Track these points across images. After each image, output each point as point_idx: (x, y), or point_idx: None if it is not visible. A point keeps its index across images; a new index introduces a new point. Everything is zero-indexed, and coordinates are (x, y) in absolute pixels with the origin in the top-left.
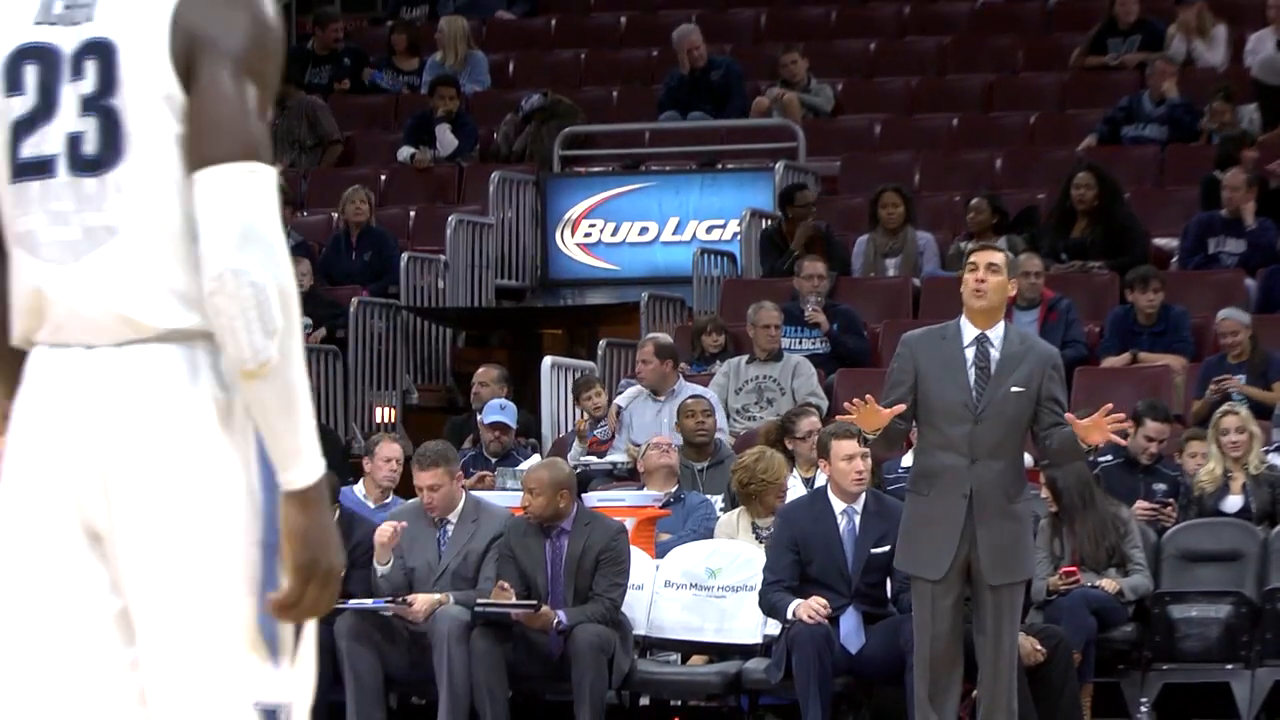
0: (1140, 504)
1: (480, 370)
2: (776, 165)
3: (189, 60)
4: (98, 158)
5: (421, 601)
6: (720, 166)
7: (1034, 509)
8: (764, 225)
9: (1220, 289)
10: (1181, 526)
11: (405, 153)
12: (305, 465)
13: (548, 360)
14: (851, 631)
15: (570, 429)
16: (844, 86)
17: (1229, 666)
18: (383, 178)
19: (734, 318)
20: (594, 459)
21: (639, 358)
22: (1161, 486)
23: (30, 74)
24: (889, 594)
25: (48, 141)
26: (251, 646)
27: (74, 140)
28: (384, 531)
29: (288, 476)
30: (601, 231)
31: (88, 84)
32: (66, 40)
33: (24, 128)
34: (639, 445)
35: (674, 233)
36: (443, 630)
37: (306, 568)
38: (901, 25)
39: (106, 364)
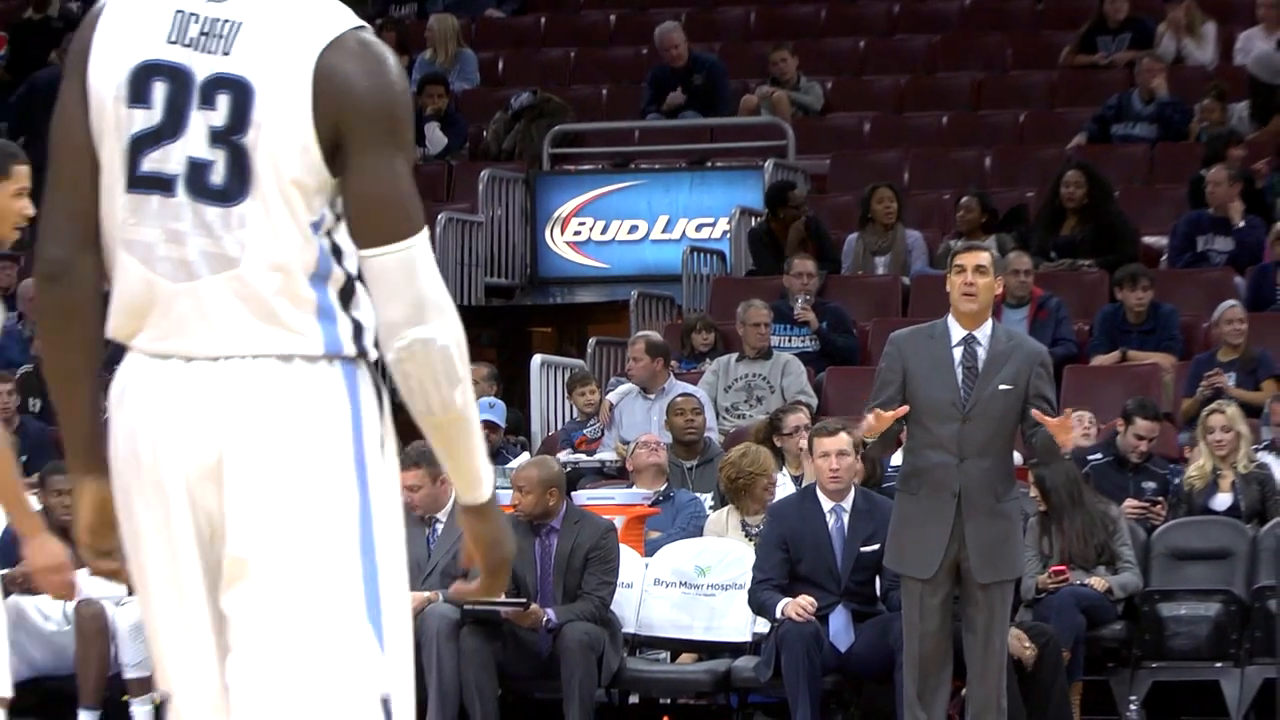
0: (1129, 502)
1: (470, 368)
2: (766, 163)
3: (338, 127)
4: (224, 190)
5: (413, 599)
6: (710, 165)
7: (1023, 507)
8: (752, 224)
9: (1209, 287)
10: (1171, 525)
11: None
12: (485, 485)
13: (537, 358)
14: (841, 630)
15: (560, 427)
16: (833, 85)
17: (1218, 664)
18: None
19: (723, 316)
20: (583, 457)
21: (630, 355)
22: (1151, 485)
23: (158, 91)
24: (878, 592)
25: (171, 161)
26: (362, 635)
27: (198, 166)
28: None
29: (473, 496)
30: (591, 230)
31: (218, 116)
32: (200, 66)
33: (147, 142)
34: (628, 443)
35: (663, 231)
36: (432, 628)
37: (495, 567)
38: (891, 23)
39: (214, 376)
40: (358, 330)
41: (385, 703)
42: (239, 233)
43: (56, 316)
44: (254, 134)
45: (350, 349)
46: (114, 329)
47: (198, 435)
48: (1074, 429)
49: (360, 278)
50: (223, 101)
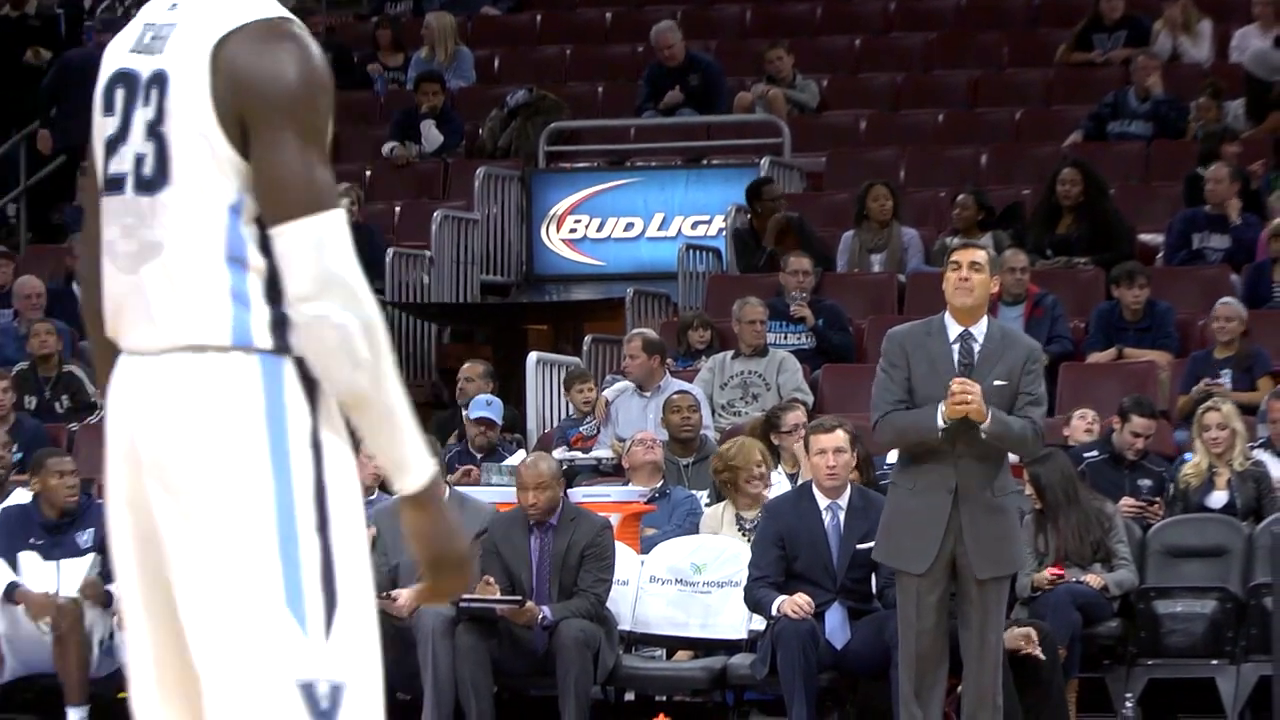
0: (1125, 500)
1: (466, 366)
2: (762, 161)
3: (240, 110)
4: (151, 179)
5: (406, 597)
6: (706, 162)
7: (1020, 505)
8: (744, 221)
9: (1205, 285)
10: (1167, 522)
11: (388, 148)
12: (413, 473)
13: (533, 356)
14: (837, 627)
15: (556, 424)
16: (829, 82)
17: (1214, 662)
18: (368, 174)
19: (719, 313)
20: (579, 454)
21: (626, 352)
22: (1147, 482)
23: (118, 98)
24: (874, 589)
25: (124, 161)
26: (279, 622)
27: (138, 161)
28: None
29: (399, 485)
30: (587, 227)
31: (150, 111)
32: (144, 68)
33: (111, 146)
34: (624, 441)
35: (659, 228)
36: (427, 626)
37: (433, 563)
38: (887, 21)
39: (145, 370)
40: (281, 322)
41: (308, 688)
42: (162, 219)
43: (87, 319)
44: (169, 123)
45: (266, 341)
46: (107, 331)
47: (126, 434)
48: (958, 399)
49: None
50: (153, 96)
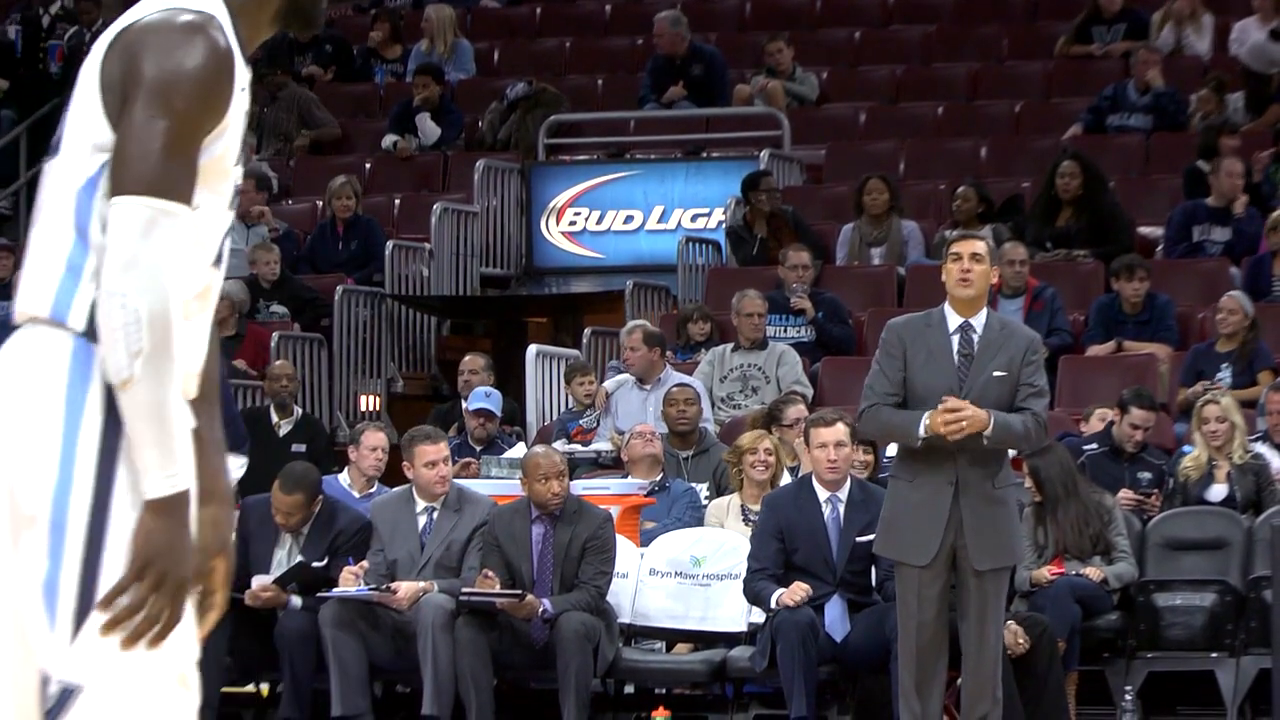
0: (1125, 493)
1: (467, 359)
2: (761, 154)
3: (124, 87)
4: (52, 148)
5: (406, 589)
6: (705, 155)
7: (1018, 497)
8: (738, 216)
9: (1205, 278)
10: (1166, 515)
11: (388, 141)
12: (156, 479)
13: (533, 348)
14: (836, 619)
15: (555, 417)
16: (829, 75)
17: (1214, 655)
18: (368, 166)
19: (719, 306)
20: (579, 447)
21: (627, 344)
22: (1146, 475)
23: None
24: (874, 582)
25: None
26: (33, 606)
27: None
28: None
29: (142, 485)
30: (586, 220)
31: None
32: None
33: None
34: (623, 433)
35: (659, 221)
36: (427, 618)
37: (140, 568)
38: (886, 14)
39: (8, 342)
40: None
41: (44, 683)
42: (46, 186)
43: None
44: (74, 98)
45: (81, 321)
46: None
47: None
48: (949, 420)
49: None
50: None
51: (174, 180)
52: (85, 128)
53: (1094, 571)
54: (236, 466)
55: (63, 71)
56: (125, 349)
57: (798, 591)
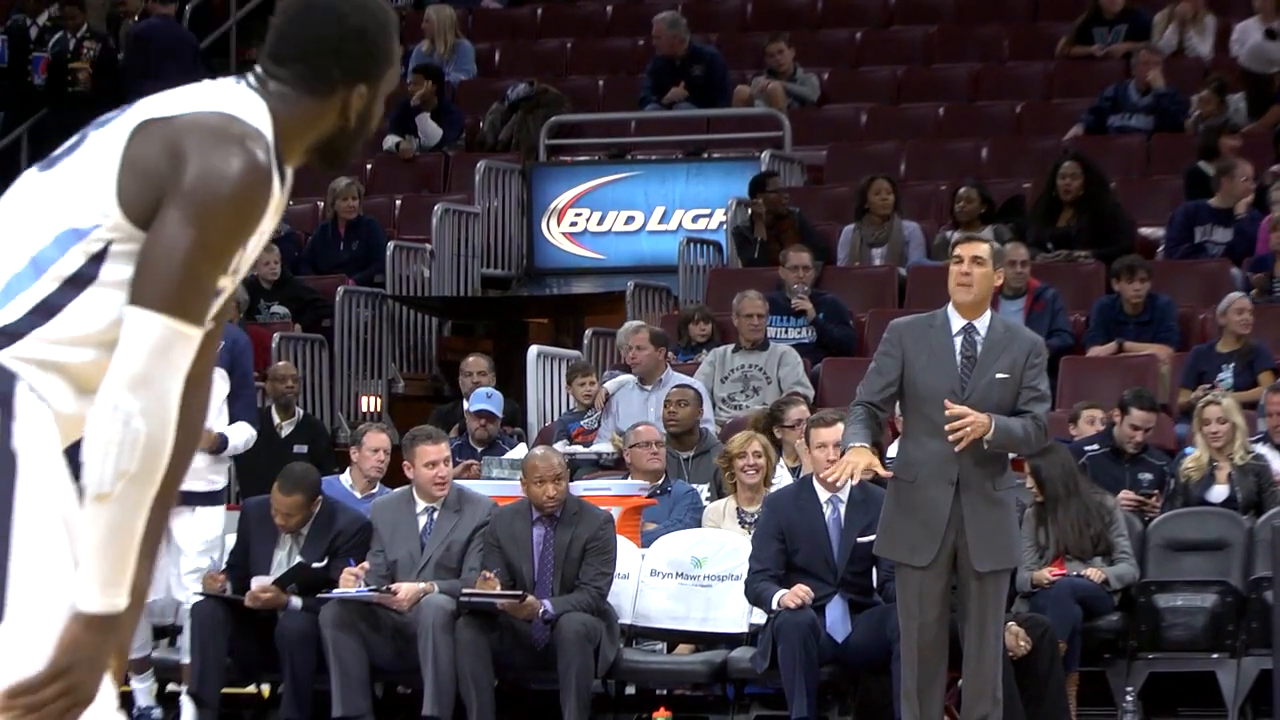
0: (1125, 494)
1: (470, 360)
2: (762, 155)
3: (161, 180)
4: (49, 160)
5: (406, 590)
6: (706, 156)
7: (1019, 498)
8: (745, 216)
9: (1206, 278)
10: (1167, 516)
11: (390, 142)
12: (96, 594)
13: (533, 349)
14: (837, 620)
15: (556, 418)
16: (830, 76)
17: (1214, 656)
18: (369, 167)
19: (720, 307)
20: (580, 448)
21: (632, 344)
22: (1147, 476)
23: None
24: (875, 583)
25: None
26: None
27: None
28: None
29: (78, 597)
30: (587, 220)
31: (96, 127)
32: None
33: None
34: (623, 434)
35: (660, 222)
36: (428, 619)
37: (54, 673)
38: (887, 14)
39: None
40: (11, 335)
41: None
42: (22, 191)
43: None
44: (93, 134)
45: None
46: None
47: None
48: (956, 432)
49: (58, 308)
50: (110, 118)
51: (195, 304)
52: (92, 187)
53: (1095, 572)
54: (245, 438)
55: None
56: (114, 466)
57: (799, 594)
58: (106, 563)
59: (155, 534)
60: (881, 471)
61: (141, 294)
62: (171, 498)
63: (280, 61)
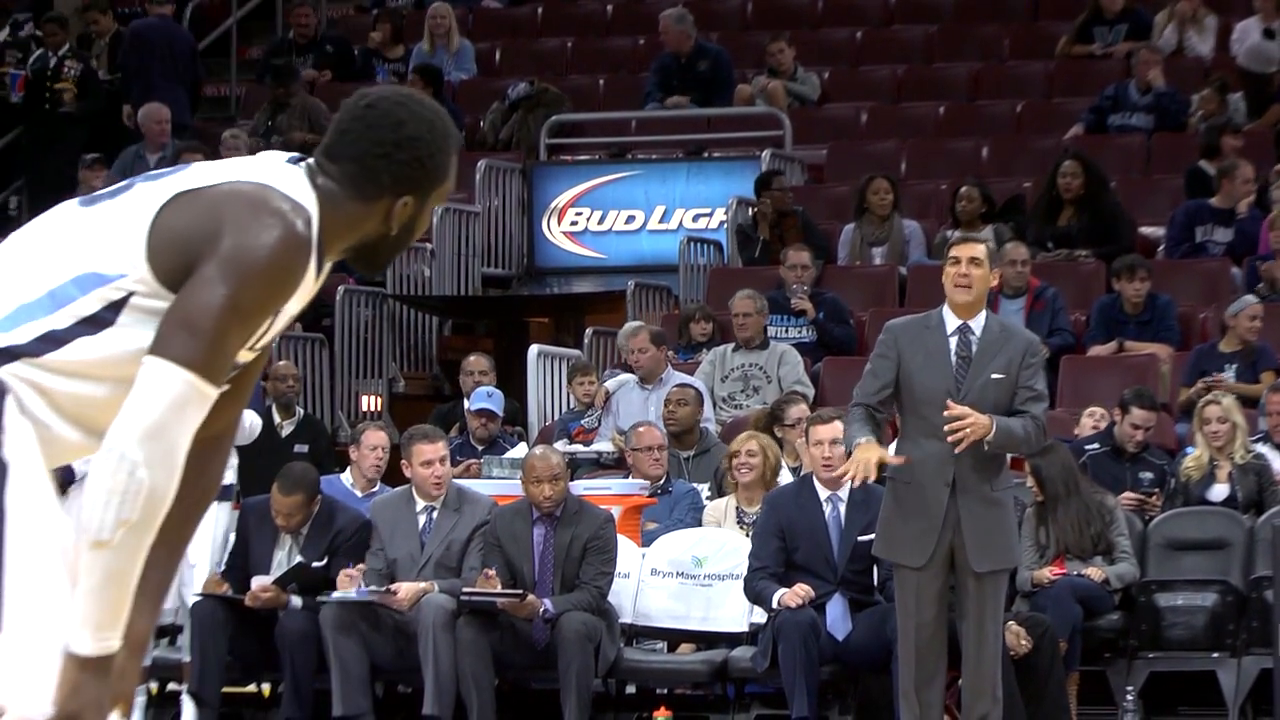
0: (1126, 494)
1: (471, 359)
2: (763, 154)
3: (200, 245)
4: (90, 199)
5: (406, 590)
6: (707, 155)
7: (1019, 497)
8: (747, 215)
9: (1207, 278)
10: (1168, 515)
11: None
12: (91, 637)
13: (534, 349)
14: (838, 619)
15: (556, 417)
16: (830, 75)
17: (1215, 655)
18: None
19: (720, 306)
20: (580, 447)
21: (633, 346)
22: (1148, 475)
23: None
24: (875, 582)
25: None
26: None
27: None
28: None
29: (71, 636)
30: (588, 220)
31: (143, 178)
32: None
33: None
34: (624, 433)
35: (660, 221)
36: (428, 619)
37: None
38: (888, 14)
39: None
40: (10, 355)
41: None
42: (57, 224)
43: None
44: (138, 186)
45: None
46: None
47: None
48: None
49: (65, 342)
50: (164, 172)
51: (217, 363)
52: (124, 237)
53: (1095, 571)
54: (250, 423)
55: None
56: (115, 514)
57: (799, 593)
58: (101, 607)
59: (163, 584)
60: (892, 460)
61: (166, 347)
62: (182, 548)
63: (333, 158)
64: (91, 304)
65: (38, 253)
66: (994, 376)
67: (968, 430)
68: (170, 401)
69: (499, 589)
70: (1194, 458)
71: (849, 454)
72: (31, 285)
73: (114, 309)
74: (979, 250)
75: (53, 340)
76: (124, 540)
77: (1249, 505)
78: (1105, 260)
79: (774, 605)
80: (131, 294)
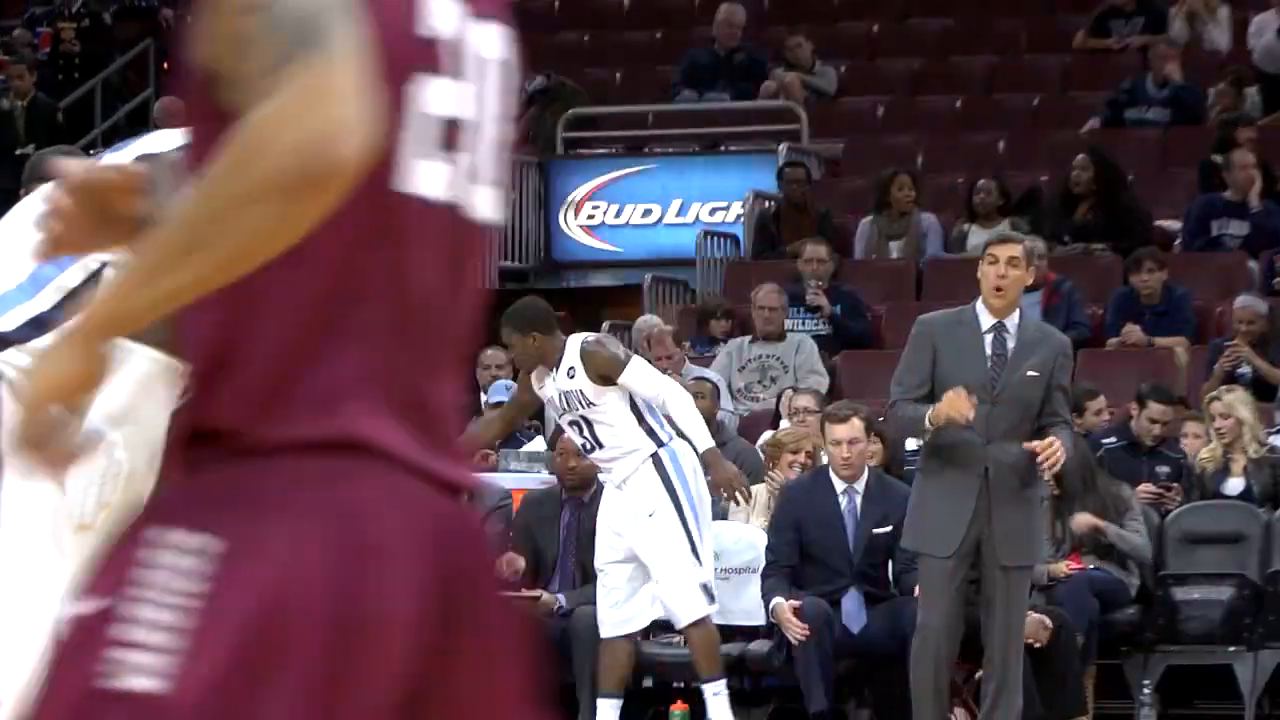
0: (1143, 487)
1: (488, 352)
2: (780, 147)
3: None
4: None
5: None
6: (723, 149)
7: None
8: (766, 207)
9: (1223, 271)
10: (1184, 509)
11: None
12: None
13: None
14: (853, 612)
15: None
16: (847, 68)
17: (1231, 649)
18: None
19: (737, 299)
20: None
21: (658, 354)
22: (1165, 469)
23: None
24: (890, 575)
25: None
26: None
27: None
28: None
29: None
30: (605, 214)
31: None
32: None
33: None
34: None
35: (677, 215)
36: None
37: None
38: (905, 7)
39: None
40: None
41: None
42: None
43: None
44: None
45: None
46: None
47: None
48: (1044, 462)
49: (51, 323)
50: None
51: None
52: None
53: (1085, 519)
54: None
55: None
56: (96, 498)
57: (795, 626)
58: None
59: None
60: (972, 403)
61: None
62: None
63: None
64: (74, 276)
65: (12, 240)
66: (1029, 374)
67: (1057, 454)
68: (138, 381)
69: (521, 566)
70: (1209, 450)
71: (926, 428)
72: (11, 273)
73: (93, 280)
74: (1017, 250)
75: (39, 324)
76: (105, 525)
77: (1265, 499)
78: (1121, 254)
79: (770, 611)
80: (104, 264)
